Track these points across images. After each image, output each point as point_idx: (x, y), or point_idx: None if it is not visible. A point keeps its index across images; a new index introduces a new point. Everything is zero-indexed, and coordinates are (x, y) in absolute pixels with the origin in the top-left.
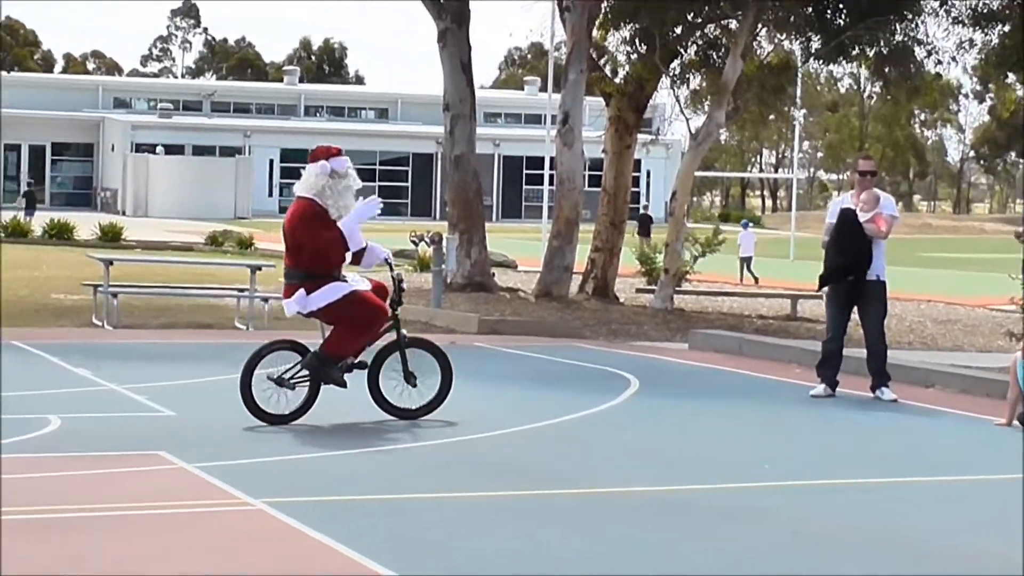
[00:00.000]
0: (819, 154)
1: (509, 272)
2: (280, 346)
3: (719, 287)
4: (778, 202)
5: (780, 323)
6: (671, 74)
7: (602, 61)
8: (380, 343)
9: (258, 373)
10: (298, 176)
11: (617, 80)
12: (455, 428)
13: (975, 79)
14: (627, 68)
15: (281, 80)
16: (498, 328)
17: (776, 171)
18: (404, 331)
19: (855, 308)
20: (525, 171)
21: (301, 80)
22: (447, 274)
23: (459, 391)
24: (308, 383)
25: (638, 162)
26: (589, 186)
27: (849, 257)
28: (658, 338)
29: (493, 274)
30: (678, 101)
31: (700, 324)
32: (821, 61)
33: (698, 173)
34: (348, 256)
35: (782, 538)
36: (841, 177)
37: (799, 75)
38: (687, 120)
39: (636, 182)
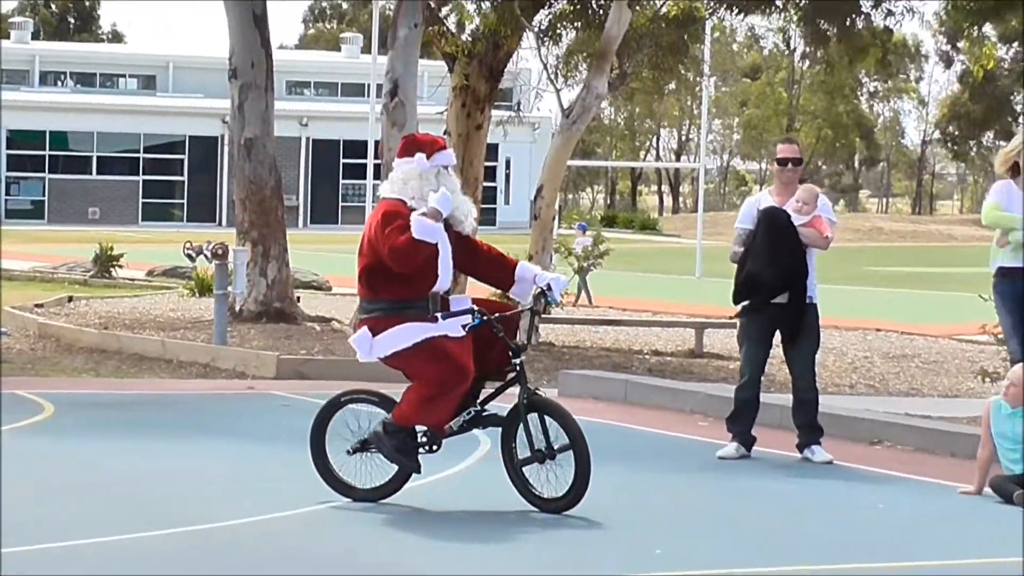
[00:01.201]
0: (735, 136)
1: (320, 296)
2: (359, 398)
3: (601, 313)
4: (681, 200)
5: (680, 360)
6: (536, 29)
7: (444, 12)
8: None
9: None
10: (32, 167)
11: (464, 37)
12: (227, 508)
13: (940, 36)
14: (478, 21)
15: (7, 36)
16: (304, 371)
17: (678, 159)
18: (529, 387)
19: (778, 341)
20: (342, 160)
21: (35, 37)
22: (234, 299)
23: (243, 457)
24: None
25: (494, 147)
26: None
27: (782, 272)
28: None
29: (298, 299)
30: (545, 66)
31: (575, 363)
32: (736, 11)
33: (573, 162)
34: (447, 274)
35: None
36: (764, 167)
37: (707, 30)
38: (558, 91)
39: (491, 174)
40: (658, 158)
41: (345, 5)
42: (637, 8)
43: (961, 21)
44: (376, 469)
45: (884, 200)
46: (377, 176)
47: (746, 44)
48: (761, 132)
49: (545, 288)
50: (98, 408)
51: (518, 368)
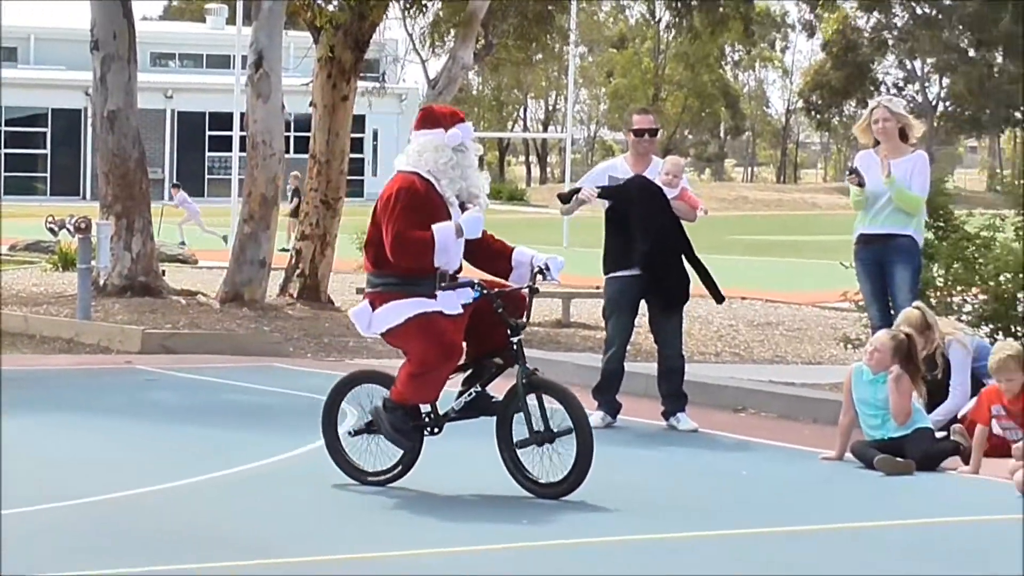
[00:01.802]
0: (602, 106)
1: (186, 269)
2: (365, 379)
3: None
4: (548, 171)
5: (547, 331)
6: (403, 6)
7: None
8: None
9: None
10: None
11: (330, 8)
12: (94, 484)
13: (803, 4)
14: None
15: None
16: (170, 345)
17: (545, 129)
18: (528, 367)
19: (644, 310)
20: (208, 132)
21: None
22: (98, 273)
23: (109, 433)
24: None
25: (360, 118)
26: (295, 152)
27: (654, 242)
28: (386, 354)
29: (163, 272)
30: (411, 37)
31: None
32: None
33: None
34: (457, 255)
35: None
36: (616, 137)
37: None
38: (424, 62)
39: (358, 146)
40: (525, 129)
41: None
42: None
43: None
44: (382, 453)
45: (749, 169)
46: (243, 148)
47: (612, 14)
48: (628, 102)
49: (543, 267)
50: None
51: (515, 347)
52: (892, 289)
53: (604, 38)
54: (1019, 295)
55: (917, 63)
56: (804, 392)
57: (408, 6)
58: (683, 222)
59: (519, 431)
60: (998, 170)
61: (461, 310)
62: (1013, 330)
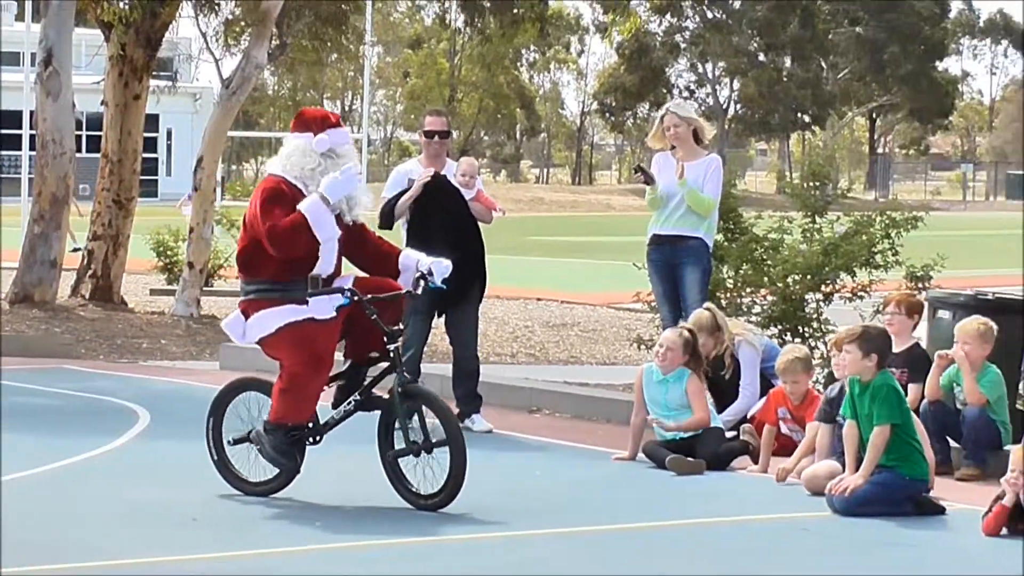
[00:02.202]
0: (398, 106)
1: None
2: (246, 387)
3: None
4: None
5: None
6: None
7: None
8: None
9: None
10: None
11: (121, 4)
12: None
13: (596, 7)
14: None
15: None
16: None
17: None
18: (405, 375)
19: (439, 311)
20: None
21: None
22: None
23: None
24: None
25: (154, 118)
26: (87, 151)
27: (451, 244)
28: (180, 355)
29: None
30: (204, 36)
31: None
32: None
33: (236, 133)
34: (330, 259)
35: None
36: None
37: (370, 5)
38: (218, 61)
39: (152, 145)
40: None
41: None
42: None
43: None
44: (263, 464)
45: (545, 170)
46: (33, 147)
47: (408, 14)
48: (424, 103)
49: (425, 272)
50: None
51: (392, 354)
52: (683, 290)
53: (400, 39)
54: (807, 296)
55: (708, 66)
56: (598, 393)
57: (201, 5)
58: (479, 220)
59: (397, 440)
60: (787, 173)
61: (334, 314)
62: (801, 331)
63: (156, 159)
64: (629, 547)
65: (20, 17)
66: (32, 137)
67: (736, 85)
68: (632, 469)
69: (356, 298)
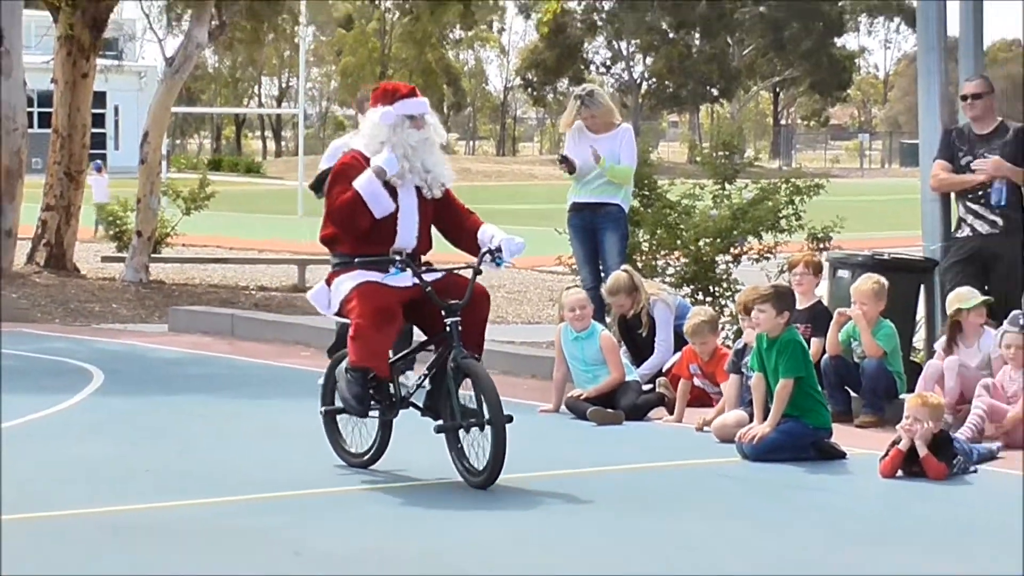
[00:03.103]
0: (333, 83)
1: None
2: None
3: (210, 252)
4: (283, 144)
5: (285, 295)
6: None
7: None
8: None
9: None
10: None
11: None
12: None
13: None
14: None
15: None
16: None
17: (279, 105)
18: (462, 350)
19: None
20: None
21: None
22: None
23: None
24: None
25: (101, 95)
26: (38, 127)
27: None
28: (130, 318)
29: None
30: (147, 17)
31: (184, 299)
32: None
33: (180, 109)
34: (408, 233)
35: (282, 559)
36: (346, 113)
37: None
38: (160, 41)
39: (100, 121)
40: (260, 105)
41: None
42: None
43: None
44: (363, 435)
45: (471, 143)
46: None
47: None
48: (356, 80)
49: (494, 249)
50: None
51: (448, 327)
52: (602, 253)
53: (333, 18)
54: (717, 258)
55: (623, 44)
56: (523, 350)
57: None
58: None
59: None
60: (697, 143)
61: (409, 283)
62: (712, 290)
63: (104, 134)
64: (554, 493)
65: None
66: None
67: (648, 61)
68: (556, 420)
69: (408, 268)
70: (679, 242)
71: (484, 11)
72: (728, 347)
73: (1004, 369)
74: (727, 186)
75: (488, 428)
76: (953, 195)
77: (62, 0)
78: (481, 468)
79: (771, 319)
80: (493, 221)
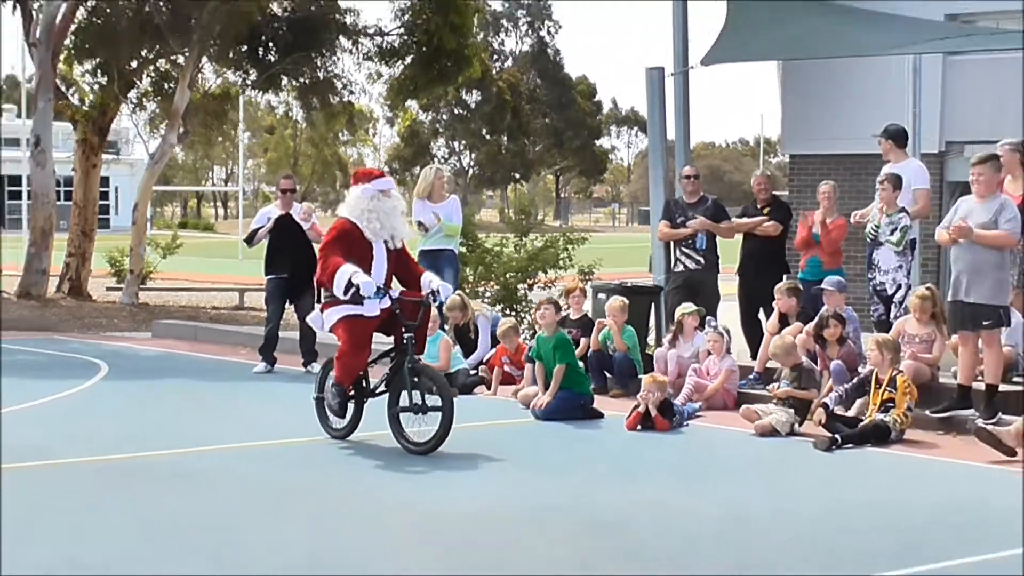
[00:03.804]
0: (262, 169)
1: None
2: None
3: (179, 284)
4: (228, 211)
5: (230, 312)
6: (130, 102)
7: (69, 90)
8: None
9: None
10: None
11: (83, 107)
12: None
13: (384, 106)
14: (91, 96)
15: None
16: None
17: (226, 184)
18: (414, 356)
19: (289, 300)
20: (7, 188)
21: None
22: None
23: None
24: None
25: (106, 179)
26: (64, 200)
27: (291, 257)
28: (126, 329)
29: None
30: (136, 126)
31: (162, 316)
32: (257, 90)
33: (158, 187)
34: (379, 278)
35: (230, 495)
36: (270, 190)
37: (241, 102)
38: (145, 142)
39: (105, 196)
40: (213, 184)
41: (4, 87)
42: (194, 88)
43: (395, 97)
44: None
45: None
46: (29, 198)
47: (265, 111)
48: (277, 167)
49: (434, 290)
50: None
51: (405, 340)
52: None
53: (261, 126)
54: (519, 286)
55: (456, 143)
56: None
57: (134, 106)
58: (313, 243)
59: (402, 401)
60: (505, 210)
61: (378, 312)
62: (515, 307)
63: (108, 204)
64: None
65: (19, 115)
66: (29, 192)
67: (474, 155)
68: None
69: (389, 297)
70: (493, 275)
71: (362, 120)
72: (527, 344)
73: (709, 358)
74: (524, 238)
75: (428, 414)
76: (672, 243)
77: (79, 116)
78: (423, 441)
79: (552, 322)
80: None
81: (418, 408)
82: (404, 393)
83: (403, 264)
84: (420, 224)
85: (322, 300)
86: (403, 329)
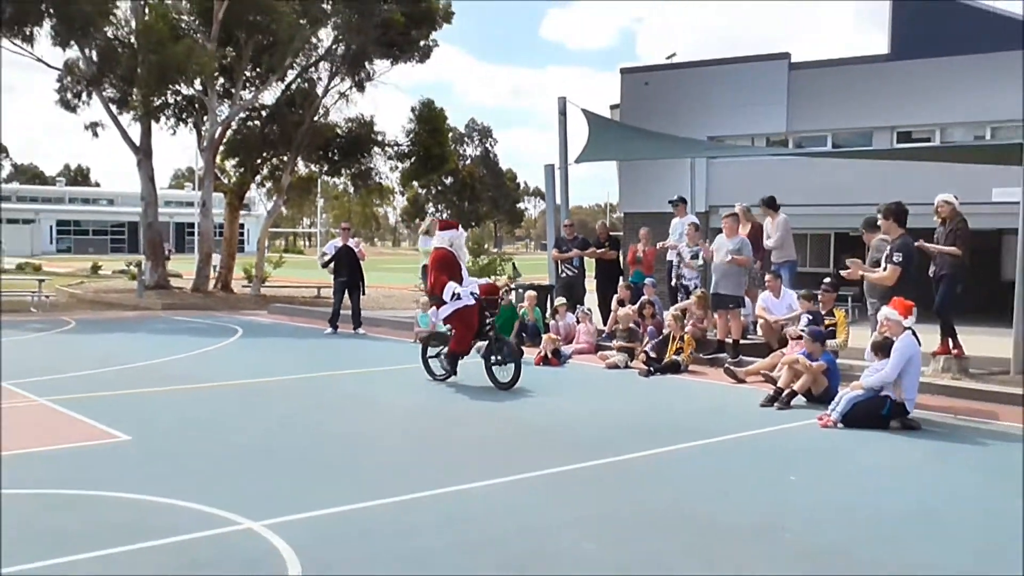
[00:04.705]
0: (329, 220)
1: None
2: (435, 338)
3: (284, 284)
4: (311, 242)
5: (312, 299)
6: (257, 182)
7: (222, 175)
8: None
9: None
10: None
11: (230, 184)
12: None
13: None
14: (234, 178)
15: None
16: (173, 305)
17: (310, 227)
18: (492, 333)
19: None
20: (186, 230)
21: None
22: (145, 280)
23: (140, 343)
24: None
25: (242, 224)
26: (218, 236)
27: (349, 270)
28: (254, 309)
29: (168, 280)
30: (259, 195)
31: (274, 301)
32: (328, 176)
33: (272, 229)
34: (467, 286)
35: (322, 405)
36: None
37: (319, 183)
38: (264, 204)
39: (242, 234)
40: (303, 227)
41: (187, 172)
42: (292, 175)
43: (406, 180)
44: (439, 368)
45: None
46: (199, 235)
47: (333, 187)
48: (339, 218)
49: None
50: None
51: (488, 324)
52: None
53: (330, 196)
54: None
55: (439, 205)
56: (406, 321)
57: (259, 184)
58: (360, 260)
59: (495, 358)
60: (468, 242)
61: (472, 302)
62: None
63: (243, 239)
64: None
65: (194, 188)
66: (198, 232)
67: (448, 212)
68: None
69: (477, 297)
70: None
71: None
72: None
73: (579, 326)
74: (478, 258)
75: (509, 364)
76: (559, 262)
77: (228, 189)
78: (506, 381)
79: (506, 301)
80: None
81: (502, 361)
82: (493, 355)
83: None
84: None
85: (432, 301)
86: (487, 315)
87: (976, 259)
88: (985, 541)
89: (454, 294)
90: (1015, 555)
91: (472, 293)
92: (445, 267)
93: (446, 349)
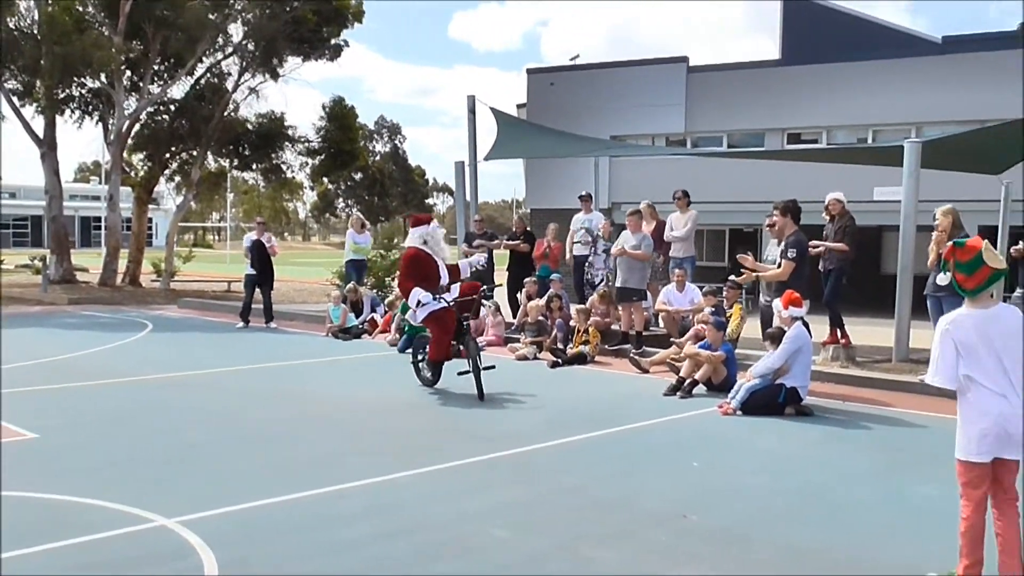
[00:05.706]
0: (240, 214)
1: (85, 275)
2: (423, 339)
3: (193, 278)
4: (220, 237)
5: (222, 293)
6: (166, 176)
7: (131, 169)
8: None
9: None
10: None
11: (138, 179)
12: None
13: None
14: (142, 172)
15: None
16: (80, 300)
17: (219, 222)
18: (468, 336)
19: (256, 286)
20: (92, 225)
21: None
22: (50, 274)
23: (46, 338)
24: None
25: (151, 219)
26: (126, 230)
27: (261, 263)
28: (163, 303)
29: (74, 274)
30: (168, 189)
31: (185, 296)
32: (238, 171)
33: (181, 223)
34: (443, 282)
35: (239, 396)
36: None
37: (228, 177)
38: (174, 197)
39: (150, 228)
40: (212, 222)
41: (93, 166)
42: (201, 168)
43: (316, 177)
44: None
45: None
46: (105, 230)
47: (242, 181)
48: (250, 213)
49: (472, 264)
50: None
51: (463, 325)
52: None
53: (239, 190)
54: (385, 279)
55: (349, 201)
56: (317, 314)
57: (168, 178)
58: (271, 256)
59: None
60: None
61: (448, 304)
62: (383, 290)
63: (152, 233)
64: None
65: (100, 182)
66: (105, 226)
67: (358, 207)
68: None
69: (448, 303)
70: (373, 273)
71: (296, 188)
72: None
73: (488, 319)
74: (388, 252)
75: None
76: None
77: (136, 183)
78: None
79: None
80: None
81: (475, 369)
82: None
83: (450, 270)
84: (355, 247)
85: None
86: (463, 318)
87: (859, 254)
88: (874, 518)
89: (418, 302)
90: (903, 530)
91: (442, 298)
92: (415, 270)
93: (427, 357)
